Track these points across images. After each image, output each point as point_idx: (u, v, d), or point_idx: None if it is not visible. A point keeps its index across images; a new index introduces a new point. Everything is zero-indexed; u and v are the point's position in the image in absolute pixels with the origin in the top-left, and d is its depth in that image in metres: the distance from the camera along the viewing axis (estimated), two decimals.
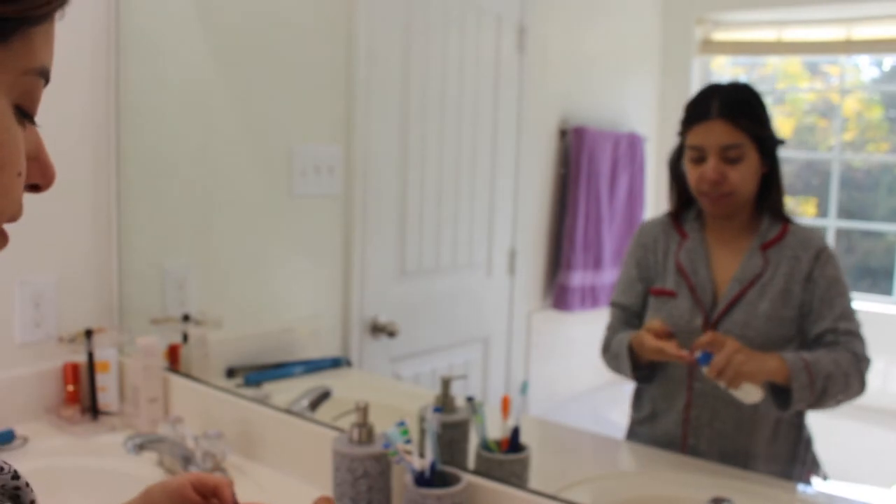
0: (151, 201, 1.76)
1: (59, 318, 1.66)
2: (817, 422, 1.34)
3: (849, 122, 2.70)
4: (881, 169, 2.69)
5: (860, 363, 1.27)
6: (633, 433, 1.47)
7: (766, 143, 1.33)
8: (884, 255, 2.62)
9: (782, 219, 1.36)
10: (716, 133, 1.31)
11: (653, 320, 1.35)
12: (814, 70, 2.85)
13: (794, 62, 2.85)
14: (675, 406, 1.37)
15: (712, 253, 1.39)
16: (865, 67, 2.76)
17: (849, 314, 1.30)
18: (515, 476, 1.19)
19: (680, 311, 1.36)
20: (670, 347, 1.27)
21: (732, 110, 1.32)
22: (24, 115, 0.46)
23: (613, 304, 1.50)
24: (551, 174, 2.48)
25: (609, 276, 2.62)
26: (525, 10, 2.19)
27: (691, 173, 1.36)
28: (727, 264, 1.37)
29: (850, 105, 2.70)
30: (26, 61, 0.45)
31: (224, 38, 1.75)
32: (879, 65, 2.73)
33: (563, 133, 2.48)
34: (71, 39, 1.59)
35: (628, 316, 1.46)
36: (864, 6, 2.53)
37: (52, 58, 0.47)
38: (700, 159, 1.33)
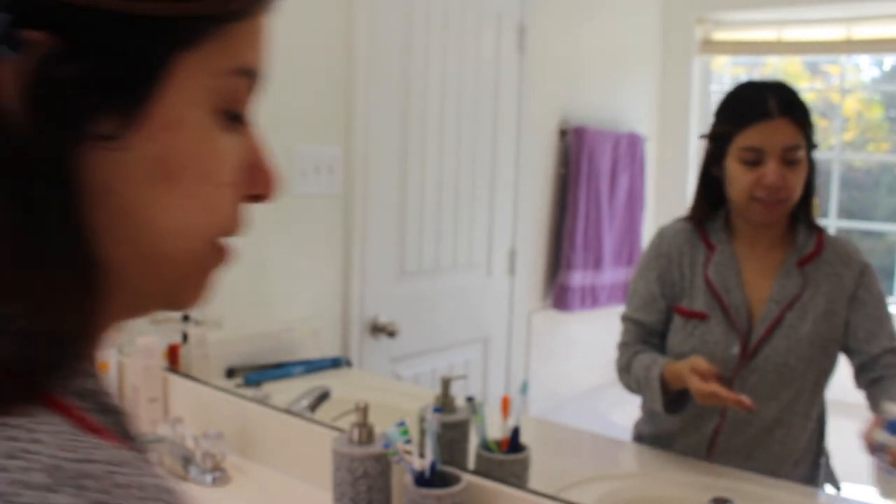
0: None
1: None
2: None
3: (849, 122, 2.70)
4: (881, 169, 2.69)
5: None
6: (643, 440, 1.41)
7: (812, 145, 1.26)
8: (884, 254, 2.62)
9: (816, 228, 1.28)
10: (779, 133, 1.22)
11: (696, 359, 1.21)
12: (814, 70, 2.85)
13: (794, 62, 2.85)
14: (703, 430, 1.29)
15: (744, 268, 1.29)
16: (866, 67, 2.76)
17: None
18: (515, 476, 1.19)
19: (714, 337, 1.26)
20: (725, 392, 1.16)
21: (794, 108, 1.24)
22: (234, 118, 0.43)
23: (628, 319, 1.38)
24: (551, 174, 2.48)
25: (609, 275, 2.62)
26: (525, 10, 2.19)
27: (742, 177, 1.24)
28: (761, 282, 1.28)
29: (851, 105, 2.70)
30: (226, 62, 0.41)
31: None
32: (880, 64, 2.73)
33: (563, 133, 2.48)
34: None
35: (646, 334, 1.35)
36: (865, 6, 2.53)
37: (262, 56, 0.44)
38: (756, 162, 1.23)
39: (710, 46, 2.78)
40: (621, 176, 2.64)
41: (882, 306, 1.25)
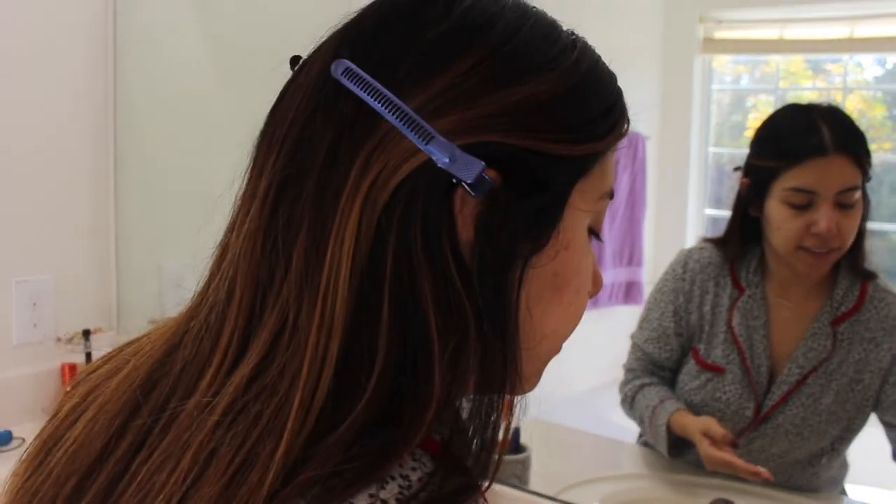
0: (149, 201, 1.76)
1: (56, 319, 1.65)
2: None
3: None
4: (884, 168, 2.68)
5: None
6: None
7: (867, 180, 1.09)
8: (886, 254, 2.61)
9: (861, 277, 1.12)
10: (835, 173, 1.04)
11: (709, 422, 1.11)
12: (816, 68, 2.84)
13: (797, 60, 2.84)
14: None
15: (773, 317, 1.15)
16: (868, 66, 2.75)
17: None
18: (515, 477, 1.19)
19: (728, 396, 1.15)
20: (740, 463, 1.07)
21: (851, 143, 1.06)
22: (594, 234, 0.50)
23: (638, 348, 1.27)
24: None
25: (610, 275, 2.62)
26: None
27: (789, 223, 1.07)
28: (789, 335, 1.14)
29: (853, 103, 2.69)
30: (600, 188, 0.48)
31: (222, 38, 1.74)
32: (882, 63, 2.72)
33: None
34: (69, 39, 1.58)
35: (655, 367, 1.26)
36: (867, 4, 2.52)
37: (614, 178, 0.50)
38: (806, 205, 1.05)
39: (712, 45, 2.77)
40: (622, 175, 2.63)
41: None
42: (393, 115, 0.41)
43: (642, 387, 1.25)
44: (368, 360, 0.40)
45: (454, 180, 0.41)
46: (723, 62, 2.87)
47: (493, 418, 0.46)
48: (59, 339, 1.62)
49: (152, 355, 0.47)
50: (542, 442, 1.39)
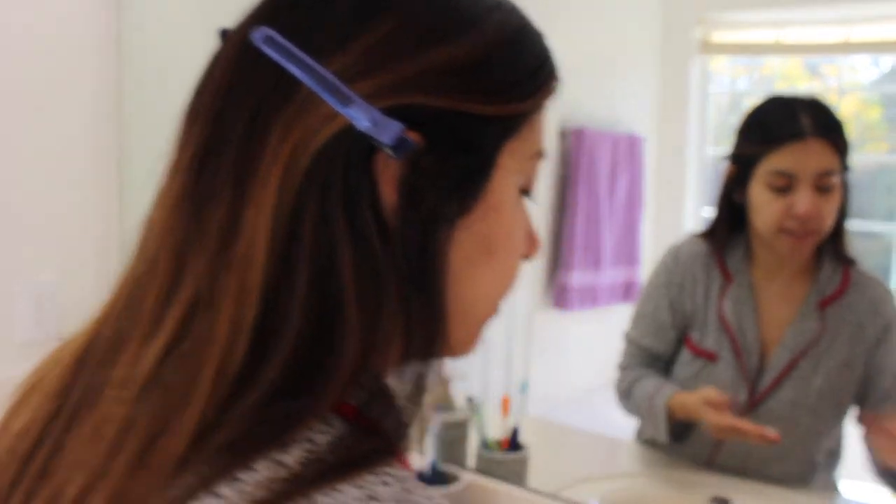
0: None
1: (60, 318, 1.66)
2: None
3: (847, 123, 2.70)
4: (879, 169, 2.70)
5: None
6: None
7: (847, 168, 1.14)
8: (882, 255, 2.63)
9: (843, 262, 1.16)
10: (813, 156, 1.09)
11: (708, 390, 1.14)
12: (814, 71, 2.85)
13: (794, 63, 2.85)
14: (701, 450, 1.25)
15: (761, 303, 1.19)
16: (864, 68, 2.76)
17: None
18: (515, 475, 1.20)
19: (721, 382, 1.18)
20: (746, 425, 1.09)
21: (830, 128, 1.11)
22: (526, 195, 0.50)
23: (633, 343, 1.30)
24: (551, 175, 2.49)
25: (609, 275, 2.63)
26: (524, 11, 2.19)
27: (770, 205, 1.12)
28: (778, 321, 1.18)
29: (849, 105, 2.71)
30: (531, 147, 0.48)
31: None
32: (878, 65, 2.74)
33: (563, 134, 2.49)
34: (72, 38, 1.59)
35: (652, 359, 1.28)
36: (863, 7, 2.54)
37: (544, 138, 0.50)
38: (786, 188, 1.10)
39: (709, 47, 2.78)
40: (620, 177, 2.64)
41: None
42: (311, 79, 0.41)
43: (638, 378, 1.26)
44: (284, 327, 0.40)
45: (375, 144, 0.41)
46: (720, 64, 2.88)
47: (419, 383, 0.46)
48: (62, 339, 1.63)
49: (85, 336, 0.48)
50: (541, 440, 1.40)
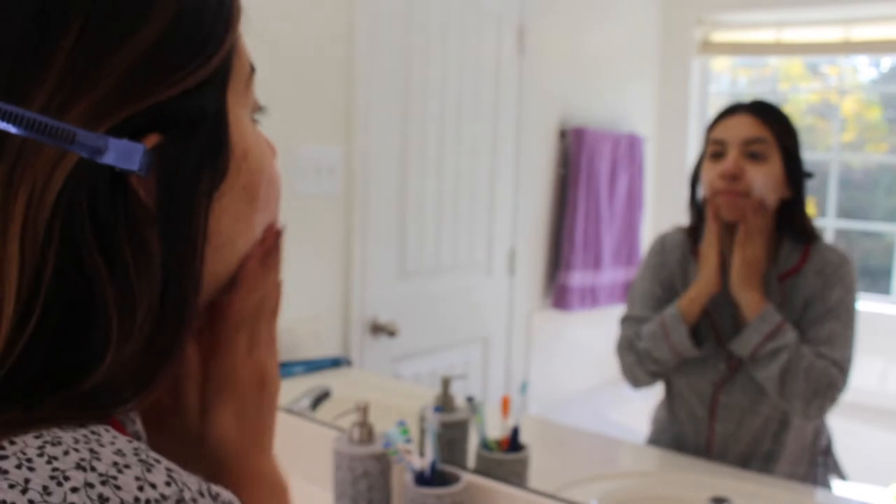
0: None
1: None
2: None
3: (847, 123, 2.71)
4: (880, 169, 2.70)
5: (827, 388, 1.17)
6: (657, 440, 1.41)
7: (793, 161, 1.24)
8: (882, 254, 2.63)
9: (804, 241, 1.25)
10: (741, 125, 1.24)
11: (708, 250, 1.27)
12: (814, 71, 2.86)
13: (795, 63, 2.86)
14: (699, 440, 1.31)
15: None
16: (864, 68, 2.76)
17: (838, 342, 1.19)
18: (515, 475, 1.20)
19: (705, 353, 1.28)
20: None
21: (761, 108, 1.26)
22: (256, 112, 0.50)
23: (629, 318, 1.37)
24: (551, 175, 2.49)
25: (609, 275, 2.63)
26: (525, 11, 2.19)
27: (709, 172, 1.26)
28: None
29: (849, 106, 2.71)
30: (244, 72, 0.47)
31: None
32: (878, 66, 2.74)
33: (563, 134, 2.49)
34: None
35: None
36: (863, 7, 2.54)
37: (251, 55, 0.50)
38: (719, 154, 1.25)
39: (710, 47, 2.78)
40: (621, 176, 2.65)
41: (831, 311, 1.20)
42: (16, 125, 0.37)
43: (639, 330, 1.33)
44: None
45: (118, 170, 0.39)
46: (721, 64, 2.88)
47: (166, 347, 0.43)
48: None
49: None
50: (541, 440, 1.40)
